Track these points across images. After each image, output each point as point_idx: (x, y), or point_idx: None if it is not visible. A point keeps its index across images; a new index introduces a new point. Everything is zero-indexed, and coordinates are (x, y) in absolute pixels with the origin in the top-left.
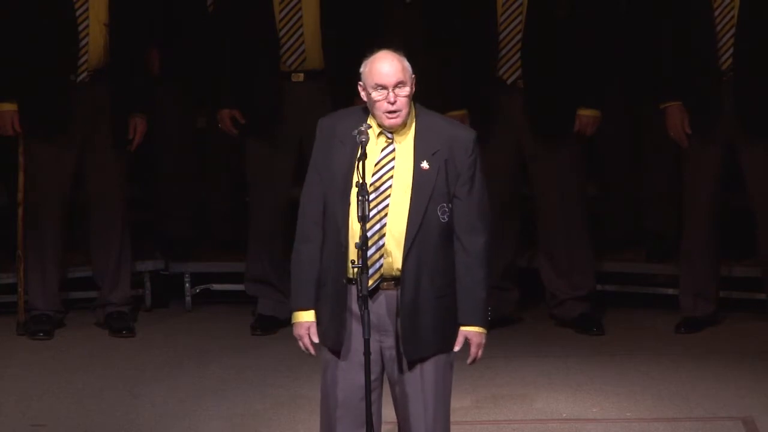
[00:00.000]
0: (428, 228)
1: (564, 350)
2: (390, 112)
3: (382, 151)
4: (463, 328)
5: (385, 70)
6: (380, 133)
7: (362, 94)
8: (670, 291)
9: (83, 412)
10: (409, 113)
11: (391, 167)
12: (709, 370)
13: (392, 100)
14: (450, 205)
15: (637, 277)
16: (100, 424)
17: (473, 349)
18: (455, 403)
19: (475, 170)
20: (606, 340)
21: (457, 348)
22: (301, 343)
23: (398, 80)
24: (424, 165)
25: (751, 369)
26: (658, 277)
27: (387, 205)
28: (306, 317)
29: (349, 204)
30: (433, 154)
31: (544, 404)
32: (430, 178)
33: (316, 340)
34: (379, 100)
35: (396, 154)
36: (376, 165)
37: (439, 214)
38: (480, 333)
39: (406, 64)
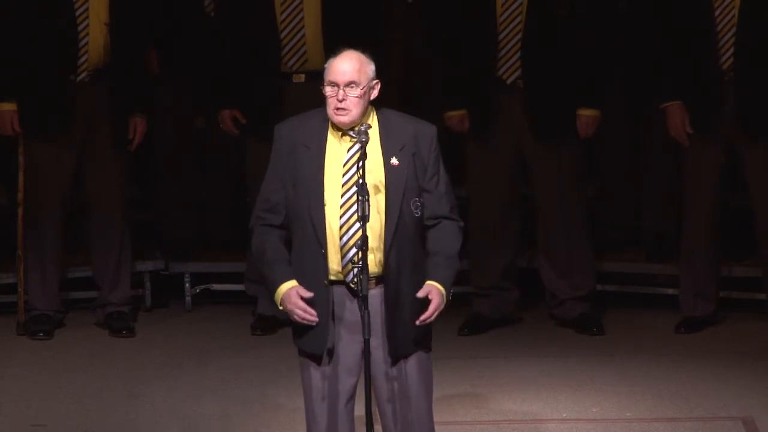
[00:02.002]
0: (404, 223)
1: (564, 350)
2: (338, 109)
3: (348, 150)
4: (429, 282)
5: (340, 69)
6: (344, 134)
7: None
8: (670, 291)
9: (83, 412)
10: (362, 114)
11: (360, 166)
12: (709, 370)
13: (340, 98)
14: (421, 200)
15: (637, 277)
16: (100, 424)
17: (431, 308)
18: (455, 404)
19: (439, 164)
20: (606, 340)
21: (420, 294)
22: (297, 311)
23: (350, 80)
24: (394, 161)
25: (751, 369)
26: (658, 277)
27: None
28: (289, 285)
29: (323, 205)
30: (400, 150)
31: (543, 404)
32: (402, 173)
33: (308, 295)
34: (330, 97)
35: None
36: (344, 165)
37: (413, 208)
38: (442, 293)
39: (367, 67)
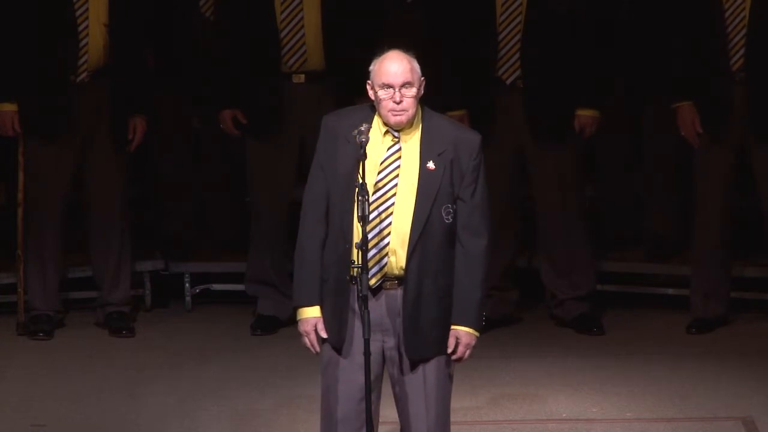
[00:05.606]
0: (432, 228)
1: (564, 350)
2: (395, 110)
3: (387, 149)
4: (453, 327)
5: (393, 70)
6: (386, 132)
7: (370, 92)
8: (670, 291)
9: (83, 412)
10: (415, 114)
11: (396, 166)
12: (709, 370)
13: (398, 99)
14: (454, 206)
15: (637, 277)
16: (100, 424)
17: (461, 349)
18: (455, 403)
19: (478, 173)
20: (606, 340)
21: (449, 350)
22: (306, 340)
23: (405, 80)
24: (430, 165)
25: (751, 369)
26: (658, 277)
27: (392, 204)
28: (312, 313)
29: (353, 202)
30: (439, 155)
31: (543, 404)
32: (436, 179)
33: (324, 335)
34: (385, 99)
35: (402, 153)
36: (381, 164)
37: (443, 215)
38: (470, 334)
39: (415, 65)
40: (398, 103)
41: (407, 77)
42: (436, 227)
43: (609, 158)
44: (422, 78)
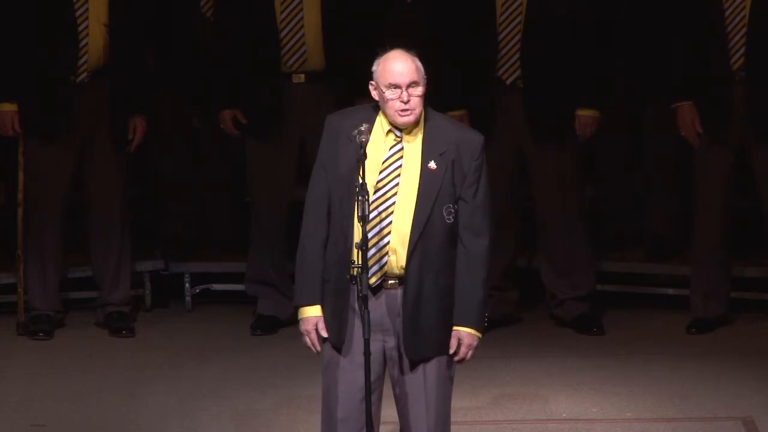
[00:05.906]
0: (433, 228)
1: (564, 350)
2: (403, 110)
3: (390, 149)
4: (456, 328)
5: (399, 70)
6: (389, 132)
7: (374, 93)
8: (670, 291)
9: (83, 412)
10: (420, 113)
11: (398, 166)
12: (709, 370)
13: (405, 99)
14: (455, 206)
15: (637, 277)
16: (100, 424)
17: (463, 349)
18: (455, 403)
19: (480, 174)
20: (606, 340)
21: (451, 351)
22: (307, 339)
23: (411, 80)
24: (432, 165)
25: (751, 369)
26: (658, 277)
27: (393, 204)
28: (313, 312)
29: (353, 202)
30: (440, 155)
31: (544, 404)
32: (437, 179)
33: (324, 335)
34: (392, 99)
35: (404, 153)
36: (383, 163)
37: (445, 214)
38: (472, 334)
39: (419, 64)
40: (406, 103)
41: (413, 77)
42: (437, 227)
43: (609, 158)
44: (425, 76)
